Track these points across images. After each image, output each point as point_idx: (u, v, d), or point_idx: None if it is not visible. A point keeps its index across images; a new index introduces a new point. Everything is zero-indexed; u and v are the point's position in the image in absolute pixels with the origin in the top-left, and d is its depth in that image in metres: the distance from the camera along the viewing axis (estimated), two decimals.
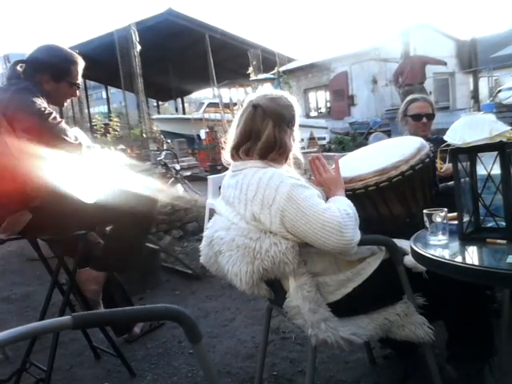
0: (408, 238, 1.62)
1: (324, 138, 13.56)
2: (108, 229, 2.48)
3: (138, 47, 13.65)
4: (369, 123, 14.51)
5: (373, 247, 1.78)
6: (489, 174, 1.46)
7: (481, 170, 1.49)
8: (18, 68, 2.26)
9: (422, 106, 3.01)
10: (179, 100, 25.92)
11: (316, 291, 1.62)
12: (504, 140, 1.44)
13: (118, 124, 15.91)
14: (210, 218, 1.88)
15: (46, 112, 2.12)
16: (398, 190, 1.91)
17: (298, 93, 19.70)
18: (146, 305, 2.79)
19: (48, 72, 2.26)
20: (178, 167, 6.07)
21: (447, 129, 1.59)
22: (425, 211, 1.52)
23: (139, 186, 2.32)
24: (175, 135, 15.48)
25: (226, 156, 1.80)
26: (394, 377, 2.25)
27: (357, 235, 1.54)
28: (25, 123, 2.06)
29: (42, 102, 2.15)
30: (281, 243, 1.54)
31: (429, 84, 12.69)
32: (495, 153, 1.44)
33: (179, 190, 5.34)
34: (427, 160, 1.94)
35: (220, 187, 1.84)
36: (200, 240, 1.89)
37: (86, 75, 2.48)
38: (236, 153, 1.75)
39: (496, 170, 1.45)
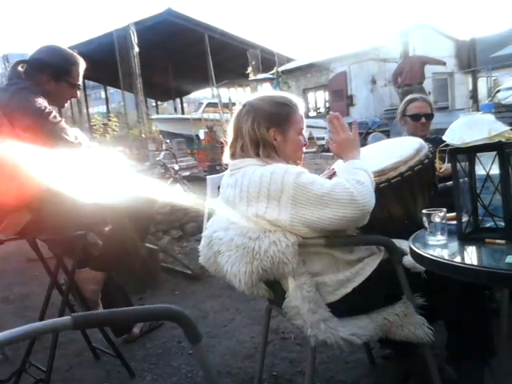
0: (407, 239, 1.62)
1: (323, 138, 13.54)
2: (107, 229, 2.48)
3: (137, 48, 13.64)
4: (368, 123, 14.47)
5: (372, 247, 1.79)
6: (488, 174, 1.46)
7: (480, 170, 1.49)
8: (19, 68, 2.27)
9: (420, 106, 3.02)
10: (178, 100, 25.91)
11: (315, 291, 1.62)
12: (503, 140, 1.44)
13: (117, 124, 15.91)
14: (208, 218, 1.88)
15: (46, 111, 2.12)
16: (396, 190, 1.91)
17: (297, 93, 19.67)
18: (145, 305, 2.80)
19: (49, 72, 2.27)
20: (176, 167, 6.06)
21: (446, 129, 1.59)
22: (424, 211, 1.52)
23: (138, 186, 2.32)
24: (174, 135, 15.46)
25: (224, 157, 1.80)
26: (394, 377, 2.25)
27: (372, 199, 1.56)
28: (25, 122, 2.06)
29: (42, 101, 2.15)
30: (280, 242, 1.54)
31: (428, 84, 12.69)
32: (494, 153, 1.44)
33: (178, 190, 5.33)
34: (426, 161, 1.93)
35: (219, 187, 1.84)
36: (199, 240, 1.89)
37: (85, 75, 2.48)
38: (232, 152, 1.76)
39: (495, 170, 1.45)
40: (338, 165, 2.11)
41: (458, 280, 1.37)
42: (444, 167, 1.80)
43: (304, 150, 1.82)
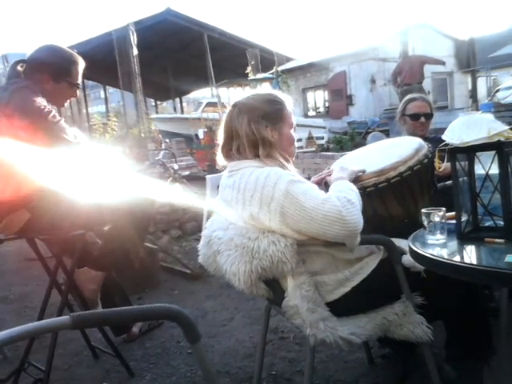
0: (406, 238, 1.62)
1: (322, 138, 13.53)
2: (106, 228, 2.48)
3: (136, 47, 13.64)
4: (367, 123, 14.50)
5: (371, 247, 1.79)
6: (487, 174, 1.46)
7: (479, 170, 1.49)
8: (19, 68, 2.26)
9: (420, 105, 3.02)
10: (177, 99, 25.88)
11: (314, 290, 1.62)
12: (502, 139, 1.44)
13: (117, 124, 15.90)
14: (208, 218, 1.88)
15: (46, 110, 2.12)
16: (396, 190, 1.91)
17: (297, 92, 19.70)
18: (144, 304, 2.80)
19: (48, 72, 2.26)
20: (176, 167, 6.05)
21: (445, 128, 1.59)
22: (423, 210, 1.52)
23: (137, 186, 2.32)
24: (173, 135, 15.46)
25: (218, 159, 1.80)
26: (393, 376, 2.25)
27: (360, 221, 1.53)
28: (24, 121, 2.06)
29: (41, 101, 2.15)
30: (279, 242, 1.54)
31: (427, 83, 12.71)
32: (493, 152, 1.44)
33: (177, 189, 5.33)
34: (425, 161, 1.93)
35: (218, 186, 1.84)
36: (198, 240, 1.89)
37: (85, 75, 2.48)
38: (226, 154, 1.75)
39: (494, 170, 1.45)
40: (338, 165, 2.12)
41: (457, 279, 1.37)
42: (443, 166, 1.80)
43: (296, 145, 1.83)
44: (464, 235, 1.50)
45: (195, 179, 7.44)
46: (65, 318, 0.92)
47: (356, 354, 2.39)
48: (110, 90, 25.04)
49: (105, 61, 14.19)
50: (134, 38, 13.75)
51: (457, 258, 1.41)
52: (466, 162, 1.51)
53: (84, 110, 19.49)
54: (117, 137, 14.74)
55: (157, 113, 24.06)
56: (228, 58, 17.69)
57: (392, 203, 1.96)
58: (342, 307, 1.65)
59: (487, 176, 1.46)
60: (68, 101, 2.47)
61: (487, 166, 1.46)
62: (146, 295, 3.54)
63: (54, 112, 2.17)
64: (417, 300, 1.75)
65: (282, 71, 14.33)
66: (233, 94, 14.44)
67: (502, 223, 1.44)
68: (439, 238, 1.49)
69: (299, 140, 11.13)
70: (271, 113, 1.71)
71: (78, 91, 2.42)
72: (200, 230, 1.91)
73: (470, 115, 1.65)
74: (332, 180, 1.77)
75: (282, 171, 1.61)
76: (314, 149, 10.43)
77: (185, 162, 9.81)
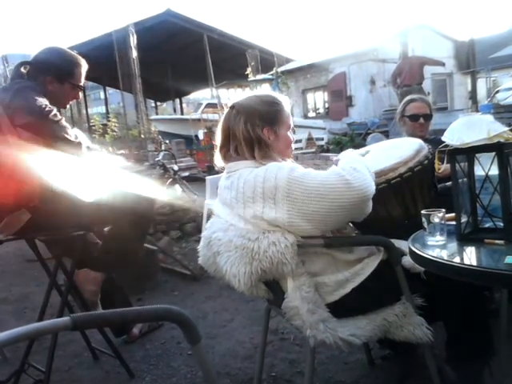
0: (406, 239, 1.62)
1: (322, 139, 13.54)
2: (106, 229, 2.48)
3: (136, 48, 13.65)
4: (367, 124, 14.51)
5: (371, 248, 1.79)
6: (487, 175, 1.46)
7: (479, 171, 1.49)
8: (22, 69, 2.27)
9: (419, 106, 3.02)
10: (177, 100, 25.92)
11: (314, 292, 1.62)
12: (502, 140, 1.44)
13: (116, 125, 15.92)
14: (208, 219, 1.88)
15: (47, 109, 2.12)
16: (396, 191, 1.91)
17: (297, 93, 19.72)
18: (144, 306, 2.80)
19: (52, 73, 2.27)
20: (176, 168, 6.06)
21: (445, 129, 1.59)
22: (423, 212, 1.52)
23: (137, 187, 2.32)
24: (173, 136, 15.47)
25: (216, 160, 1.81)
26: (393, 378, 2.25)
27: (369, 184, 1.55)
28: (26, 120, 2.07)
29: (43, 100, 2.15)
30: (279, 243, 1.54)
31: (427, 85, 12.72)
32: (493, 153, 1.44)
33: (177, 190, 5.34)
34: (426, 162, 1.94)
35: (218, 188, 1.84)
36: (198, 241, 1.89)
37: (85, 76, 2.49)
38: (224, 155, 1.76)
39: (494, 171, 1.45)
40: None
41: (457, 280, 1.37)
42: (443, 168, 1.80)
43: (293, 147, 1.83)
44: (464, 236, 1.50)
45: (195, 180, 7.46)
46: (65, 319, 0.92)
47: (356, 356, 2.39)
48: (110, 90, 25.07)
49: (105, 62, 14.19)
50: (134, 39, 13.78)
51: (457, 260, 1.41)
52: (466, 163, 1.52)
53: (84, 111, 19.53)
54: (116, 138, 14.76)
55: (157, 114, 24.09)
56: (228, 59, 17.72)
57: (392, 204, 1.97)
58: (342, 308, 1.65)
59: (487, 177, 1.46)
60: (70, 102, 2.48)
61: (487, 167, 1.46)
62: (146, 296, 3.53)
63: (55, 111, 2.17)
64: (417, 301, 1.75)
65: (282, 72, 14.35)
66: (233, 95, 14.45)
67: (501, 224, 1.44)
68: (439, 239, 1.49)
69: (299, 141, 11.14)
70: (268, 114, 1.72)
71: (80, 93, 2.43)
72: (200, 231, 1.92)
73: (470, 116, 1.65)
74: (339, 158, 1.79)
75: (280, 163, 1.62)
76: (313, 150, 10.45)
77: (184, 163, 9.83)
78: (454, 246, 1.49)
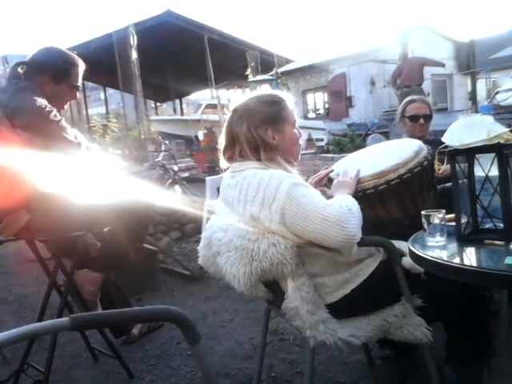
0: (406, 240, 1.62)
1: (322, 140, 13.57)
2: (106, 230, 2.48)
3: (136, 49, 13.65)
4: (367, 124, 14.50)
5: (371, 249, 1.79)
6: (487, 176, 1.46)
7: (479, 172, 1.49)
8: (19, 69, 2.26)
9: (419, 107, 3.02)
10: (177, 101, 25.93)
11: (314, 292, 1.62)
12: (502, 141, 1.44)
13: (116, 125, 15.92)
14: (208, 219, 1.88)
15: (47, 110, 2.12)
16: (396, 192, 1.91)
17: (297, 94, 19.71)
18: (144, 306, 2.80)
19: (48, 74, 2.27)
20: (176, 168, 6.07)
21: (445, 130, 1.59)
22: (423, 212, 1.52)
23: (137, 187, 2.32)
24: (173, 136, 15.49)
25: (222, 163, 1.80)
26: (393, 378, 2.25)
27: (358, 232, 1.54)
28: (25, 121, 2.07)
29: (42, 101, 2.15)
30: (279, 244, 1.54)
31: (427, 85, 12.72)
32: (493, 154, 1.44)
33: (177, 191, 5.34)
34: (425, 163, 1.94)
35: (218, 188, 1.84)
36: (198, 241, 1.89)
37: (84, 76, 2.48)
38: (228, 157, 1.76)
39: (494, 172, 1.45)
40: (338, 166, 2.12)
41: (457, 281, 1.37)
42: (443, 168, 1.80)
43: (301, 143, 1.83)
44: (464, 237, 1.50)
45: (195, 181, 7.46)
46: (64, 319, 0.92)
47: (356, 356, 2.39)
48: (110, 91, 25.09)
49: (105, 62, 14.22)
50: (134, 40, 13.78)
51: (456, 260, 1.41)
52: (466, 164, 1.52)
53: (84, 112, 19.52)
54: (116, 138, 14.76)
55: (157, 114, 24.11)
56: (228, 60, 17.71)
57: (392, 205, 1.97)
58: (341, 309, 1.65)
59: (487, 178, 1.46)
60: (68, 103, 2.47)
61: (487, 168, 1.46)
62: (146, 297, 3.53)
63: (55, 112, 2.17)
64: (416, 302, 1.75)
65: (282, 73, 14.37)
66: (232, 96, 14.46)
67: (501, 225, 1.44)
68: (439, 240, 1.49)
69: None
70: (271, 115, 1.71)
71: (77, 93, 2.43)
72: (200, 232, 1.91)
73: (470, 117, 1.65)
74: (333, 193, 1.79)
75: (286, 174, 1.61)
76: (313, 150, 10.43)
77: (184, 164, 9.83)
78: (453, 246, 1.49)
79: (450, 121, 1.81)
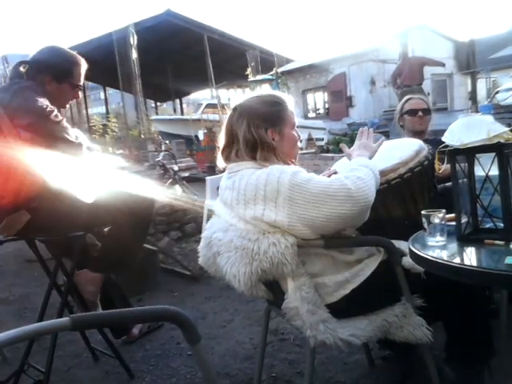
0: (406, 240, 1.62)
1: (322, 139, 13.57)
2: (106, 230, 2.48)
3: (136, 48, 13.64)
4: (367, 124, 14.47)
5: (371, 248, 1.79)
6: (487, 175, 1.46)
7: (479, 171, 1.49)
8: (21, 69, 2.26)
9: (417, 102, 3.04)
10: (177, 101, 25.92)
11: (314, 292, 1.62)
12: (502, 141, 1.44)
13: (116, 125, 15.92)
14: (208, 219, 1.88)
15: (48, 110, 2.12)
16: (396, 192, 1.91)
17: (297, 94, 19.70)
18: (144, 306, 2.80)
19: (50, 73, 2.27)
20: (176, 168, 6.07)
21: (445, 130, 1.59)
22: (423, 212, 1.52)
23: (137, 187, 2.32)
24: (173, 136, 15.49)
25: (219, 163, 1.81)
26: (393, 378, 2.25)
27: (370, 194, 1.54)
28: (26, 121, 2.06)
29: (43, 101, 2.15)
30: (279, 243, 1.54)
31: (427, 85, 12.71)
32: (493, 154, 1.44)
33: (177, 191, 5.34)
34: (426, 163, 1.94)
35: (218, 188, 1.84)
36: (198, 241, 1.89)
37: (85, 76, 2.48)
38: (226, 157, 1.76)
39: (494, 171, 1.45)
40: (338, 165, 2.12)
41: (457, 281, 1.37)
42: (443, 168, 1.80)
43: (299, 145, 1.83)
44: (464, 237, 1.50)
45: (195, 181, 7.46)
46: (65, 319, 0.92)
47: (356, 356, 2.39)
48: (110, 91, 25.07)
49: (105, 62, 14.20)
50: (134, 40, 13.78)
51: (457, 260, 1.41)
52: (466, 164, 1.52)
53: (84, 111, 19.51)
54: (116, 138, 14.76)
55: (157, 114, 24.10)
56: (228, 60, 17.71)
57: (392, 205, 1.97)
58: (342, 309, 1.65)
59: (487, 178, 1.46)
60: (69, 102, 2.47)
61: (487, 167, 1.46)
62: (146, 297, 3.53)
63: (56, 112, 2.17)
64: (417, 302, 1.75)
65: (282, 73, 14.35)
66: (233, 96, 14.47)
67: (501, 225, 1.44)
68: (439, 239, 1.49)
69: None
70: (271, 114, 1.71)
71: (79, 92, 2.43)
72: (200, 232, 1.91)
73: (470, 117, 1.65)
74: (352, 151, 1.82)
75: (283, 166, 1.61)
76: (313, 150, 10.43)
77: (185, 164, 9.84)
78: (454, 246, 1.49)
79: (450, 120, 1.81)
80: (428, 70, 11.56)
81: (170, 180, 5.69)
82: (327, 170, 2.05)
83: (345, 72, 18.28)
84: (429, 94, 14.02)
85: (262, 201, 1.56)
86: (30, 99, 2.11)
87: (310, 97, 20.84)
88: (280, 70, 14.44)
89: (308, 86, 20.22)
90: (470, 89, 15.75)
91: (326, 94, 19.72)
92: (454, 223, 1.53)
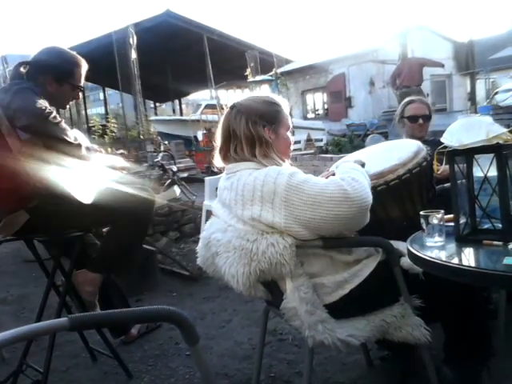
0: (405, 240, 1.62)
1: (321, 140, 13.55)
2: (105, 230, 2.48)
3: (136, 49, 13.64)
4: (366, 125, 14.51)
5: (369, 249, 1.79)
6: (485, 176, 1.47)
7: (477, 172, 1.50)
8: (22, 69, 2.26)
9: (418, 107, 3.03)
10: (177, 101, 25.94)
11: (313, 292, 1.62)
12: (501, 142, 1.44)
13: (116, 125, 15.90)
14: (206, 220, 1.88)
15: (47, 111, 2.12)
16: (395, 193, 1.91)
17: (296, 94, 19.73)
18: (142, 306, 2.79)
19: (51, 74, 2.26)
20: (175, 169, 6.07)
21: (444, 131, 1.59)
22: (421, 213, 1.52)
23: (136, 188, 2.32)
24: (172, 137, 15.47)
25: (216, 161, 1.81)
26: (391, 378, 2.25)
27: (367, 196, 1.55)
28: (25, 122, 2.06)
29: (43, 102, 2.15)
30: (278, 244, 1.54)
31: (426, 86, 12.72)
32: (492, 155, 1.44)
33: (176, 191, 5.34)
34: (424, 163, 1.94)
35: (217, 188, 1.84)
36: (197, 241, 1.89)
37: (84, 76, 2.49)
38: (224, 155, 1.76)
39: (492, 172, 1.45)
40: (335, 167, 2.12)
41: (455, 281, 1.37)
42: (442, 169, 1.80)
43: (291, 149, 1.84)
44: (462, 237, 1.50)
45: (194, 181, 7.46)
46: (63, 319, 0.92)
47: (354, 356, 2.39)
48: (109, 91, 25.08)
49: (104, 62, 14.18)
50: (133, 40, 13.77)
51: (455, 261, 1.41)
52: (465, 165, 1.52)
53: (83, 112, 19.51)
54: (116, 138, 14.76)
55: (156, 114, 24.08)
56: (227, 60, 17.73)
57: (391, 206, 1.97)
58: (340, 309, 1.65)
59: (485, 178, 1.47)
60: (70, 103, 2.47)
61: (485, 168, 1.46)
62: (145, 297, 3.53)
63: (55, 113, 2.17)
64: (415, 302, 1.75)
65: (282, 73, 14.34)
66: (232, 96, 14.45)
67: (500, 226, 1.45)
68: (437, 240, 1.49)
69: (298, 142, 11.12)
70: (268, 113, 1.73)
71: (80, 93, 2.43)
72: (198, 232, 1.92)
73: (469, 118, 1.66)
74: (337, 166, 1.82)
75: (280, 167, 1.63)
76: (312, 151, 10.44)
77: (184, 164, 9.83)
78: (452, 247, 1.49)
79: (449, 121, 1.81)
80: (427, 71, 11.59)
81: (169, 180, 5.69)
82: (326, 171, 2.05)
83: (344, 73, 18.29)
84: (428, 94, 14.06)
85: (259, 202, 1.56)
86: (29, 100, 2.11)
87: (309, 97, 20.86)
88: (279, 70, 14.43)
89: (307, 86, 20.23)
90: (469, 89, 15.76)
91: (325, 94, 19.73)
92: (452, 224, 1.53)
